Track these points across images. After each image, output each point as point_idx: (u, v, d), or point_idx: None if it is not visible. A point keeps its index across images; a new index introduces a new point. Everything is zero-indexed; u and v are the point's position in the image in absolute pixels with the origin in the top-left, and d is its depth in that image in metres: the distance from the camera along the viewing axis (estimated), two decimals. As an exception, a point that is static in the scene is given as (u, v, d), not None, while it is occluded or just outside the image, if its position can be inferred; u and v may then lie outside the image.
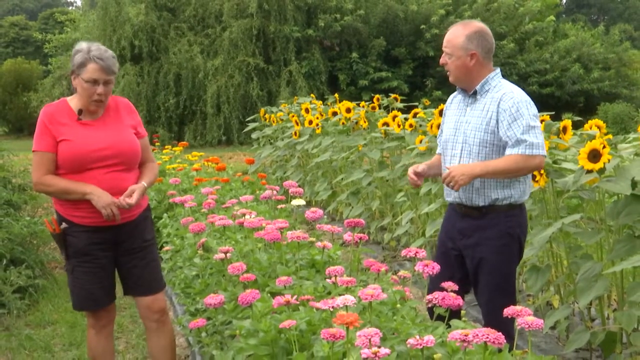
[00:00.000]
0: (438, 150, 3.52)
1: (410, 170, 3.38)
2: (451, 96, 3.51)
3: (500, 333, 2.04)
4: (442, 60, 3.29)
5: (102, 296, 3.36)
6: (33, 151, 3.24)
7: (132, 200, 3.20)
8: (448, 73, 3.29)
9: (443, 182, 3.20)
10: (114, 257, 3.36)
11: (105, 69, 3.19)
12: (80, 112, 3.25)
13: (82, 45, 3.26)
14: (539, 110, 3.29)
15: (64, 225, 3.24)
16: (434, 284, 2.94)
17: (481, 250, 3.23)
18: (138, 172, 3.42)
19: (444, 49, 3.28)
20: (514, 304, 3.33)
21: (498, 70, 3.29)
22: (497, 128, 3.15)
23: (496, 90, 3.21)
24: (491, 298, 3.21)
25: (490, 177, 3.16)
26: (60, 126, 3.21)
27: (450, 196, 3.36)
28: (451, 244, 3.38)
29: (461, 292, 3.18)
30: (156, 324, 3.45)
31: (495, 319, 2.61)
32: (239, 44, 21.35)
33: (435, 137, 5.13)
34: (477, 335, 2.02)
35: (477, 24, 3.27)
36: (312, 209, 3.92)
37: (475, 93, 3.26)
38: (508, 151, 3.13)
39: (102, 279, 3.32)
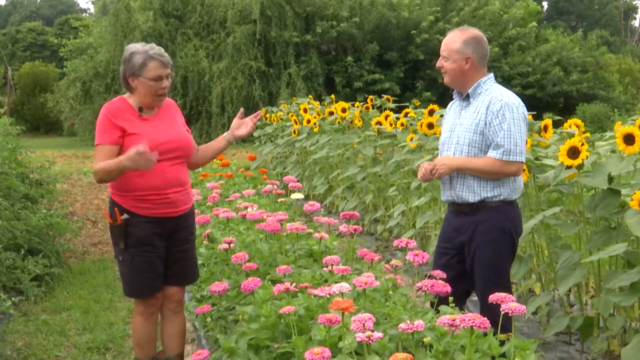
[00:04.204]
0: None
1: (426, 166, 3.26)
2: (451, 103, 3.42)
3: (485, 318, 2.04)
4: (438, 64, 3.21)
5: (158, 283, 3.30)
6: (96, 145, 3.14)
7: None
8: (444, 75, 3.20)
9: (431, 172, 3.17)
10: (166, 247, 3.29)
11: (166, 64, 3.19)
12: (141, 109, 3.21)
13: (137, 46, 3.19)
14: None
15: (125, 216, 3.16)
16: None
17: (475, 244, 3.15)
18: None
19: (441, 52, 3.19)
20: None
21: (491, 75, 3.21)
22: (485, 129, 3.08)
23: (487, 94, 3.12)
24: (485, 291, 3.11)
25: (470, 173, 3.11)
26: (125, 121, 3.15)
27: (445, 195, 3.28)
28: (449, 244, 3.27)
29: (462, 290, 3.16)
30: (172, 313, 3.41)
31: (489, 312, 2.57)
32: (242, 49, 21.29)
33: (425, 135, 5.15)
34: (464, 320, 2.02)
35: (474, 31, 3.19)
36: (310, 202, 3.92)
37: (468, 96, 3.18)
38: (489, 153, 3.07)
39: (158, 267, 3.26)
